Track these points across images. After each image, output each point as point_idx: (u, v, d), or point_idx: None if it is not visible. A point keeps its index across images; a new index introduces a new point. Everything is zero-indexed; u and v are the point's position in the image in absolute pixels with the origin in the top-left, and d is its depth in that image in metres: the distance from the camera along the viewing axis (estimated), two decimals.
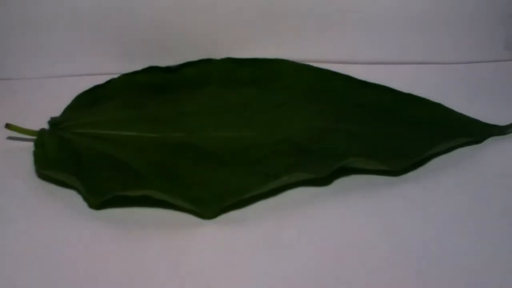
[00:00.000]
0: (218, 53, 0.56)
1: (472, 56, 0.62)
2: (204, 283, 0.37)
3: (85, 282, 0.37)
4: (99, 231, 0.41)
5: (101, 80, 0.53)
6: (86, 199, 0.43)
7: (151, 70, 0.53)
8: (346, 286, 0.37)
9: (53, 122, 0.48)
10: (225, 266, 0.39)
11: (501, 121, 0.50)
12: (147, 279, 0.38)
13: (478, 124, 0.50)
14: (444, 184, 0.45)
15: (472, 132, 0.49)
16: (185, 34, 0.60)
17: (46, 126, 0.49)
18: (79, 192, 0.44)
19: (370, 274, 0.38)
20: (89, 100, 0.51)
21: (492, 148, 0.49)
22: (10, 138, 0.50)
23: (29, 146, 0.48)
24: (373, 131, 0.48)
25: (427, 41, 0.61)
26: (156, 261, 0.39)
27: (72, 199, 0.44)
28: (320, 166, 0.44)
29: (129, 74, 0.53)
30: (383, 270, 0.38)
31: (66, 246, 0.40)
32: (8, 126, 0.48)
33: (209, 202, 0.42)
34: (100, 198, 0.42)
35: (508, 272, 0.38)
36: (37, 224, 0.42)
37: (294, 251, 0.39)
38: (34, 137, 0.47)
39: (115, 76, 0.53)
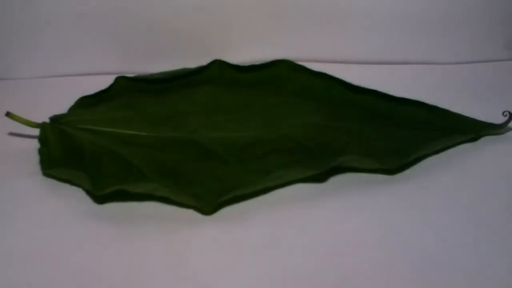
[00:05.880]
0: (218, 53, 0.56)
1: (472, 56, 0.62)
2: (204, 281, 0.37)
3: (85, 280, 0.38)
4: (99, 230, 0.41)
5: (101, 79, 0.53)
6: (89, 193, 0.44)
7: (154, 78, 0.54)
8: (345, 283, 0.37)
9: (55, 118, 0.49)
10: (225, 264, 0.39)
11: (501, 121, 0.50)
12: (147, 278, 0.38)
13: (473, 123, 0.50)
14: (440, 183, 0.45)
15: (467, 130, 0.49)
16: (185, 34, 0.60)
17: None
18: (83, 188, 0.44)
19: (368, 272, 0.38)
20: (91, 101, 0.51)
21: (488, 147, 0.49)
22: (12, 134, 0.50)
23: (31, 145, 0.48)
24: (369, 130, 0.49)
25: (427, 41, 0.61)
26: (157, 260, 0.39)
27: (73, 198, 0.44)
28: (317, 163, 0.44)
29: (131, 77, 0.53)
30: (381, 268, 0.38)
31: (66, 245, 0.40)
32: (8, 114, 0.48)
33: (209, 198, 0.42)
34: (103, 190, 0.42)
35: (506, 271, 0.38)
36: (38, 223, 0.42)
37: (293, 250, 0.40)
38: (35, 133, 0.48)
39: (115, 76, 0.53)
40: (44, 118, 0.49)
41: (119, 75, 0.53)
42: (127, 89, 0.53)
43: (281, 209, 0.43)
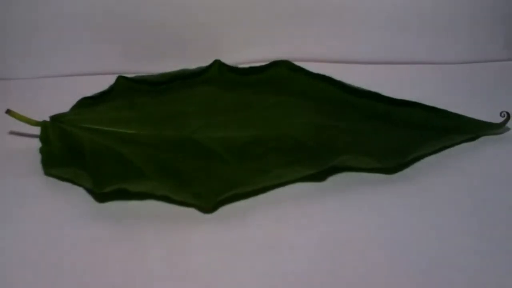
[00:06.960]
0: (218, 54, 0.56)
1: (472, 56, 0.62)
2: (204, 280, 0.38)
3: (85, 280, 0.38)
4: (99, 228, 0.41)
5: (102, 79, 0.53)
6: (90, 191, 0.44)
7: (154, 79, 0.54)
8: (343, 283, 0.37)
9: (55, 117, 0.49)
10: (224, 262, 0.39)
11: (500, 121, 0.50)
12: (147, 277, 0.38)
13: (472, 122, 0.50)
14: (439, 182, 0.45)
15: (466, 130, 0.49)
16: (185, 34, 0.60)
17: None
18: (84, 187, 0.45)
19: (367, 271, 0.38)
20: (92, 102, 0.51)
21: (487, 147, 0.49)
22: (12, 133, 0.50)
23: (31, 144, 0.48)
24: (368, 130, 0.49)
25: (427, 41, 0.61)
26: (156, 258, 0.39)
27: (74, 196, 0.44)
28: (316, 163, 0.44)
29: (132, 77, 0.53)
30: (380, 267, 0.38)
31: (67, 243, 0.40)
32: (8, 112, 0.48)
33: (208, 196, 0.42)
34: (104, 189, 0.42)
35: (506, 271, 0.38)
36: (39, 222, 0.42)
37: (292, 248, 0.40)
38: (35, 132, 0.48)
39: (115, 76, 0.53)
40: (44, 118, 0.49)
41: (119, 75, 0.53)
42: (127, 89, 0.53)
43: (281, 207, 0.43)
